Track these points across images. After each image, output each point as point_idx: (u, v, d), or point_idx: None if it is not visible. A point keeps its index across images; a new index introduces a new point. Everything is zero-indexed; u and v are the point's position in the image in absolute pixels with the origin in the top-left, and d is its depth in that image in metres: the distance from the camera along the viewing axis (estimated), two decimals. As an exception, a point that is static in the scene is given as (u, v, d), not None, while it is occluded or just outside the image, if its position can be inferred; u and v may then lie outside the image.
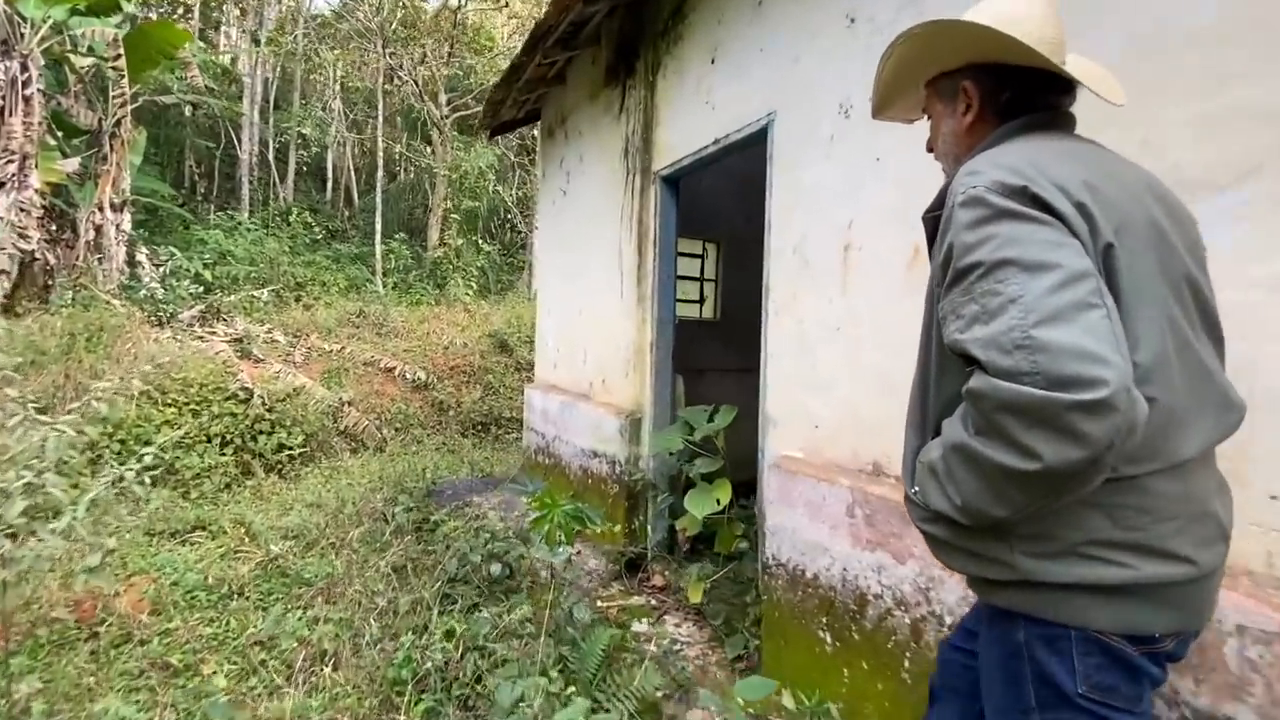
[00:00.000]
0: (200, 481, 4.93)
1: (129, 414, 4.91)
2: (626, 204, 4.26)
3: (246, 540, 3.90)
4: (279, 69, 17.42)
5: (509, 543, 3.57)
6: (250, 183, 14.90)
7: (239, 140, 14.89)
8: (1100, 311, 0.76)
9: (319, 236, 12.70)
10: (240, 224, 10.83)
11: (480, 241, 11.53)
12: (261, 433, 5.77)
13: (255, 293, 9.26)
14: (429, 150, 13.86)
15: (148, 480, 2.76)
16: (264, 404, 5.97)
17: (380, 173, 12.48)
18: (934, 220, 1.00)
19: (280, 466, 5.71)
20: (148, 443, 4.24)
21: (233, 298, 8.89)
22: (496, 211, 13.20)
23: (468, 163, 11.79)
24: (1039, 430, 0.74)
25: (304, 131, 15.40)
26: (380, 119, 12.98)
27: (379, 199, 12.17)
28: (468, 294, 10.64)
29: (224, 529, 4.00)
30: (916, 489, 0.98)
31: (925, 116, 1.21)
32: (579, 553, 4.10)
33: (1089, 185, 0.87)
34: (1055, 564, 0.87)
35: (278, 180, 15.62)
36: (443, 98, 13.38)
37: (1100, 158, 0.96)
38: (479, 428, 7.77)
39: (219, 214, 10.59)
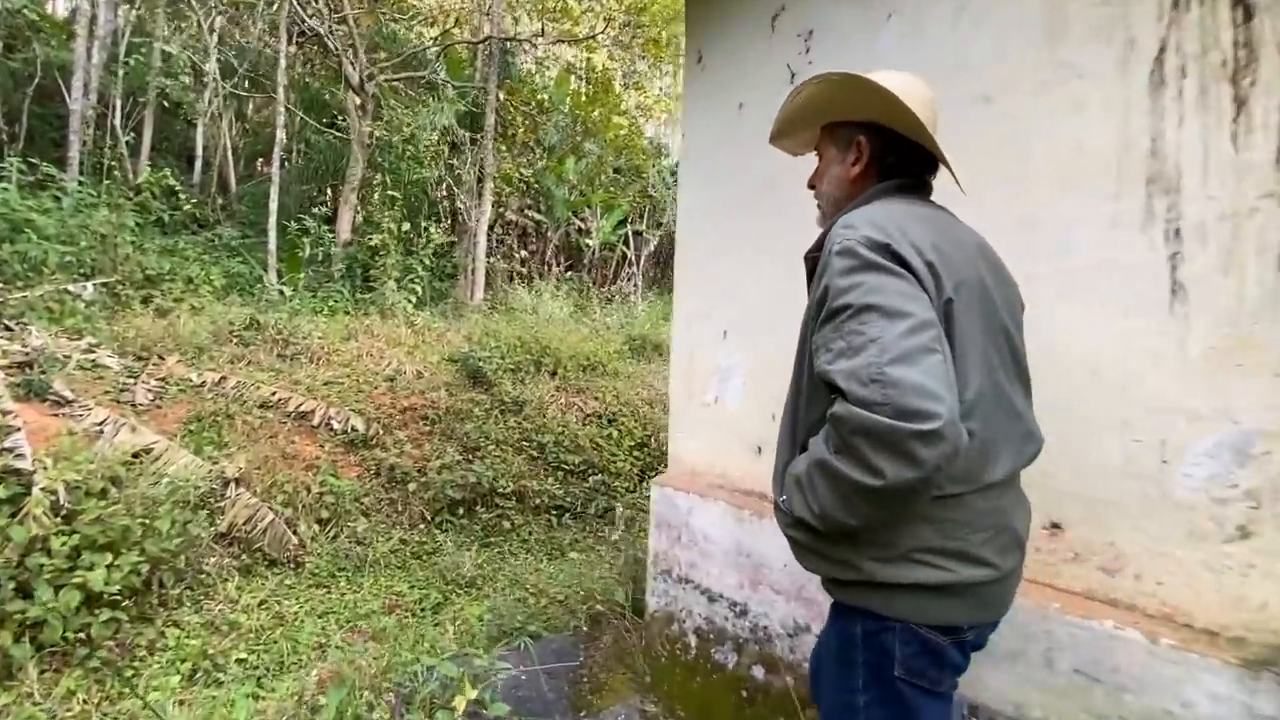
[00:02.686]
0: None
1: None
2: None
3: None
4: (133, 16, 13.35)
5: None
6: (83, 143, 10.81)
7: (68, 90, 10.87)
8: (939, 356, 0.89)
9: (182, 218, 9.12)
10: (58, 185, 7.19)
11: (430, 228, 8.54)
12: (47, 571, 2.72)
13: (71, 287, 5.83)
14: (342, 120, 10.57)
15: None
16: (55, 505, 2.91)
17: (280, 134, 9.15)
18: (813, 261, 1.13)
19: (82, 650, 2.69)
20: None
21: (28, 294, 5.45)
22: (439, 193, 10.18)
23: (422, 118, 8.78)
24: (884, 452, 0.86)
25: (163, 85, 11.63)
26: (282, 64, 9.64)
27: (276, 169, 8.87)
28: (409, 302, 7.67)
29: None
30: (785, 497, 1.08)
31: (815, 155, 1.31)
32: None
33: (936, 247, 1.01)
34: (894, 567, 1.01)
35: (126, 155, 11.64)
36: (363, 56, 10.29)
37: (947, 224, 1.12)
38: (459, 511, 4.91)
39: (23, 169, 6.94)
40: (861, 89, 1.14)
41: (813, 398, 1.08)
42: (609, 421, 6.57)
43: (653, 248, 15.48)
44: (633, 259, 15.27)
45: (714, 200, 2.53)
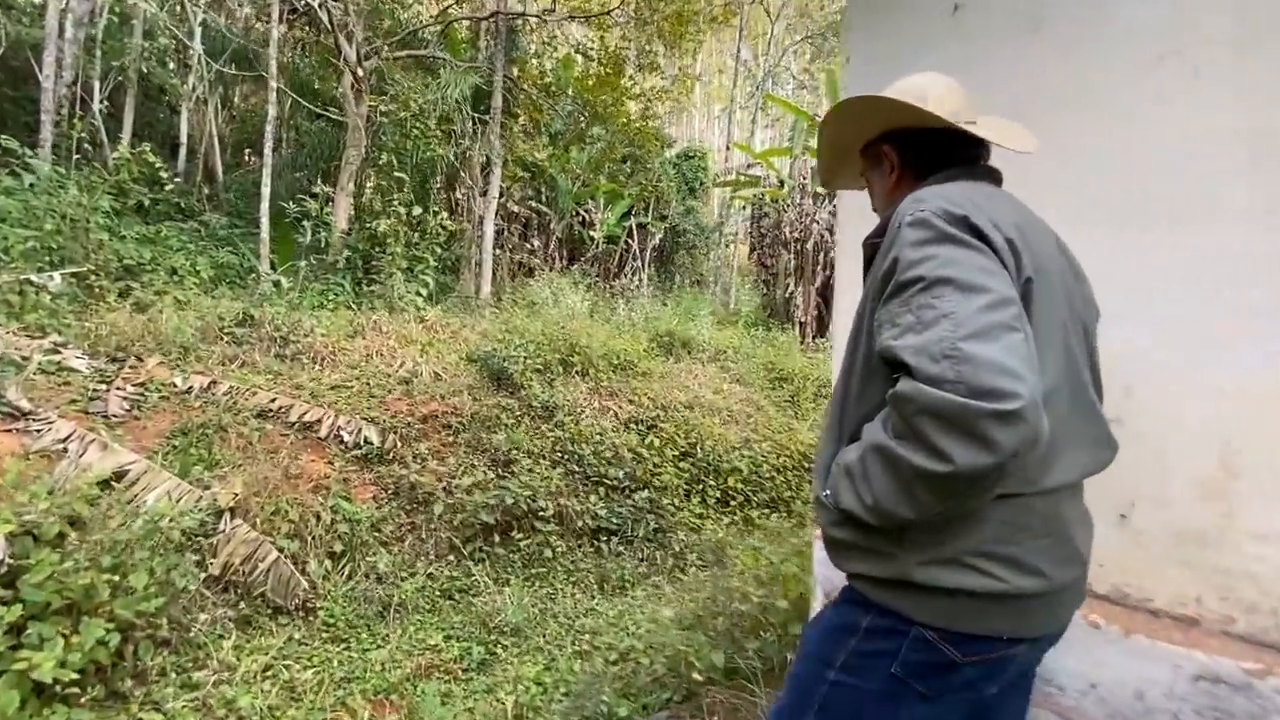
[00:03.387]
0: None
1: None
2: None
3: None
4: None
5: None
6: (56, 124, 9.93)
7: (39, 66, 9.99)
8: (1020, 335, 0.81)
9: (165, 206, 8.32)
10: (21, 161, 6.37)
11: (442, 214, 7.74)
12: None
13: (34, 277, 5.05)
14: (337, 106, 9.73)
15: None
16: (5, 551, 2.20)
17: (271, 110, 8.31)
18: (873, 246, 1.06)
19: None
20: None
21: (-16, 284, 4.67)
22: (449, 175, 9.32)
23: (433, 91, 7.95)
24: (954, 435, 0.77)
25: (145, 68, 10.79)
26: (275, 40, 8.81)
27: (269, 149, 8.06)
28: (419, 295, 6.91)
29: None
30: (828, 491, 0.99)
31: (865, 184, 1.29)
32: None
33: (1018, 226, 0.94)
34: (938, 569, 0.91)
35: (106, 140, 10.77)
36: (359, 32, 9.49)
37: (1021, 209, 1.03)
38: (493, 537, 4.21)
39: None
40: (861, 105, 1.15)
41: (867, 383, 1.00)
42: (648, 428, 5.88)
43: (657, 241, 14.76)
44: (637, 252, 14.55)
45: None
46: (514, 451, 4.82)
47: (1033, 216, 1.03)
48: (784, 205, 12.78)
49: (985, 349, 0.77)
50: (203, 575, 2.96)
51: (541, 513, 4.38)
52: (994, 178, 1.11)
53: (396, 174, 7.24)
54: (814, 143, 14.15)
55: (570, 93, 12.63)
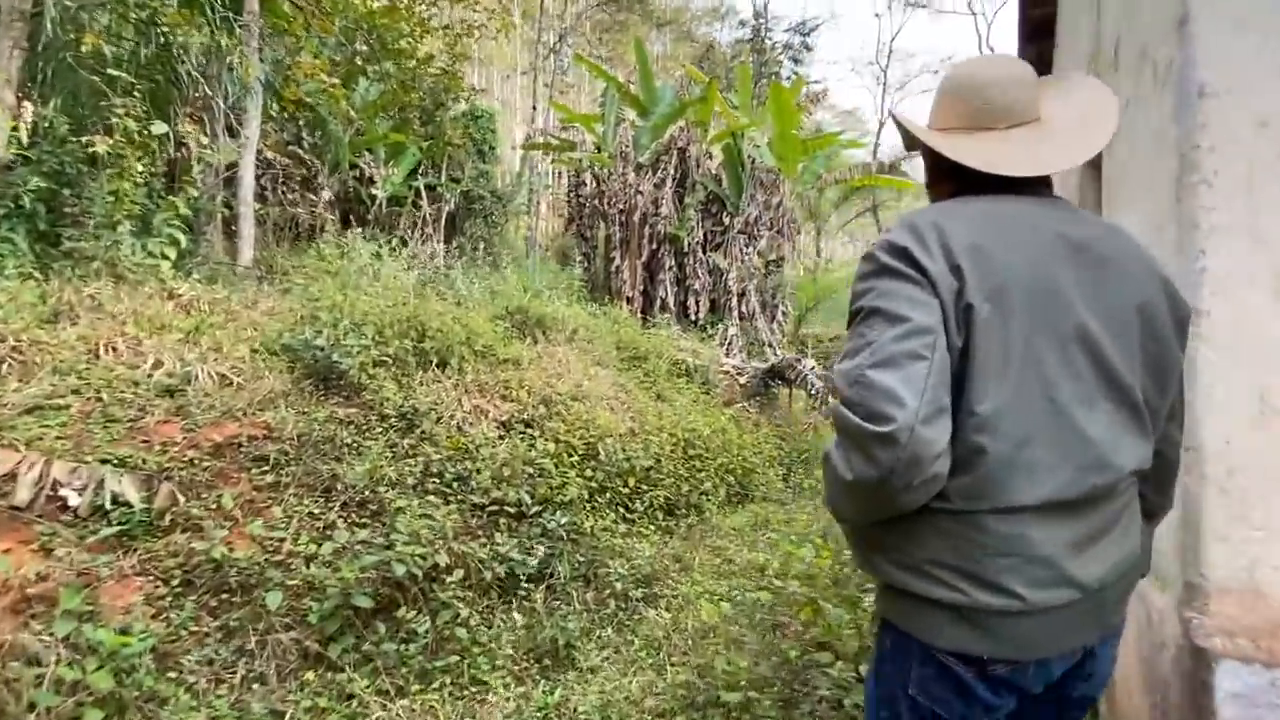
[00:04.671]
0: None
1: None
2: None
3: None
4: None
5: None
6: None
7: None
8: (925, 363, 0.87)
9: None
10: None
11: (199, 137, 5.11)
12: None
13: None
14: None
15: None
16: None
17: None
18: None
19: None
20: None
21: None
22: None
23: None
24: (854, 450, 0.89)
25: None
26: None
27: None
28: (164, 259, 4.55)
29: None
30: None
31: None
32: None
33: (977, 248, 0.95)
34: (909, 575, 0.97)
35: None
36: None
37: (1015, 221, 1.01)
38: (375, 626, 2.73)
39: None
40: (898, 121, 1.20)
41: None
42: (529, 426, 4.68)
43: (453, 206, 12.96)
44: (428, 217, 12.59)
45: None
46: (376, 485, 3.30)
47: (1021, 229, 1.00)
48: (605, 174, 11.97)
49: (883, 376, 0.87)
50: None
51: (437, 573, 3.01)
52: (1021, 186, 1.05)
53: (111, 71, 4.69)
54: (629, 112, 13.46)
55: (351, 16, 10.12)
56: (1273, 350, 1.20)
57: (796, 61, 19.95)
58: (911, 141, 1.21)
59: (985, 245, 0.95)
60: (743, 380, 8.60)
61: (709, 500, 5.32)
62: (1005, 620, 0.93)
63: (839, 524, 1.11)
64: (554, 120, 14.47)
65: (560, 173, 14.23)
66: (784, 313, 11.54)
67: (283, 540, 2.83)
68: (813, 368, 8.18)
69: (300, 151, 10.81)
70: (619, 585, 3.56)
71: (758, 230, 11.10)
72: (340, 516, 3.07)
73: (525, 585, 3.39)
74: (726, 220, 11.28)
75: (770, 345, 10.54)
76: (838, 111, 29.63)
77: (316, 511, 3.07)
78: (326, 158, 11.36)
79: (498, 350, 5.42)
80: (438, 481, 3.64)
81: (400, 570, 2.77)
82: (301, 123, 11.28)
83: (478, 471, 3.85)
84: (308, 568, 2.72)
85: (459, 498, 3.62)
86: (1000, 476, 0.92)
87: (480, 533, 3.50)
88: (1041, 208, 1.04)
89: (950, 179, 1.11)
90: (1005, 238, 0.98)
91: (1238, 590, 1.22)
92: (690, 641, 3.11)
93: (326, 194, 11.10)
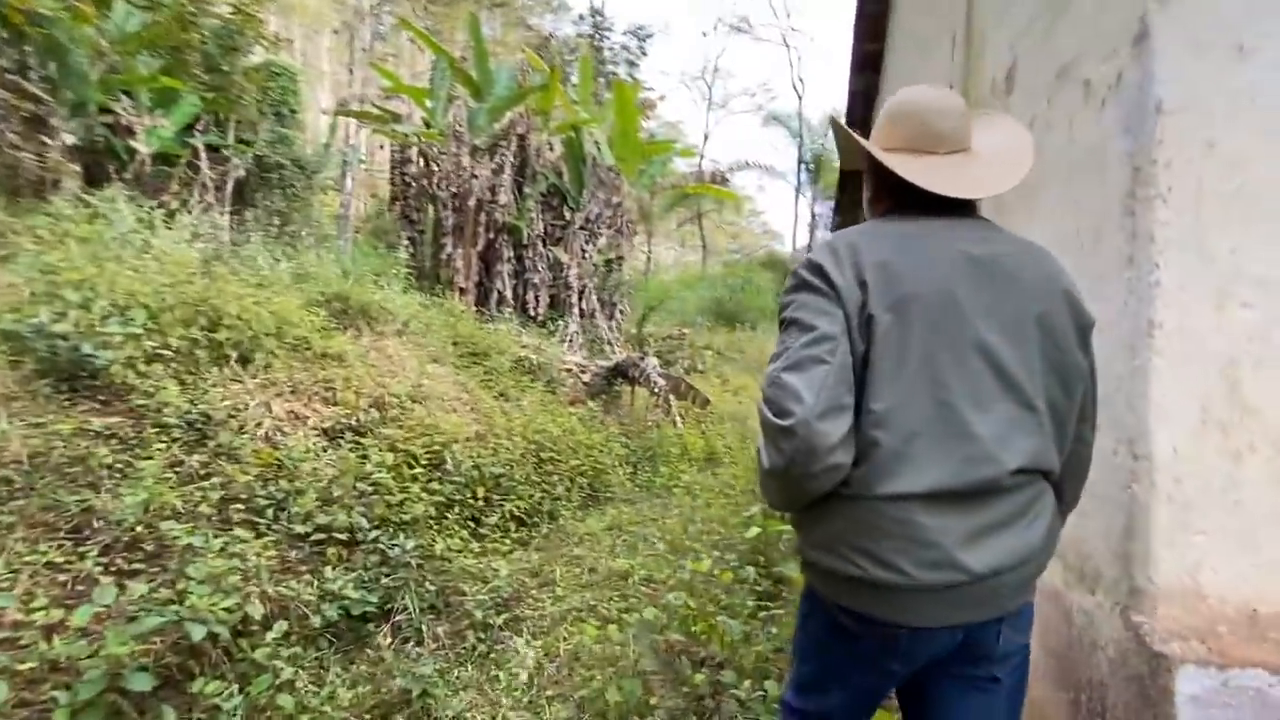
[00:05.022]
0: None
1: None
2: None
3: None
4: None
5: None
6: None
7: None
8: (826, 367, 1.01)
9: None
10: None
11: None
12: None
13: None
14: None
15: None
16: None
17: None
18: None
19: None
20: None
21: None
22: None
23: None
24: (769, 442, 1.03)
25: None
26: None
27: None
28: None
29: None
30: None
31: None
32: None
33: (883, 264, 1.07)
34: (817, 551, 1.13)
35: None
36: None
37: (924, 240, 1.12)
38: (153, 706, 2.03)
39: None
40: (836, 130, 1.34)
41: None
42: (359, 434, 4.01)
43: (242, 173, 11.12)
44: (208, 182, 10.66)
45: None
46: (157, 521, 2.50)
47: (928, 247, 1.10)
48: (435, 154, 10.99)
49: (791, 377, 1.01)
50: None
51: (252, 629, 2.35)
52: (939, 206, 1.15)
53: None
54: (461, 91, 12.56)
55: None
56: (1213, 363, 1.26)
57: (633, 65, 20.27)
58: (849, 159, 1.31)
59: (893, 262, 1.07)
60: (586, 378, 8.40)
61: (563, 506, 5.02)
62: (895, 593, 1.05)
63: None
64: (376, 88, 13.01)
65: (381, 146, 12.81)
66: (622, 311, 11.55)
67: (3, 609, 2.00)
68: (655, 366, 8.24)
69: (25, 84, 8.43)
70: (478, 613, 3.12)
71: (598, 228, 10.96)
72: (100, 565, 2.27)
73: (366, 628, 2.82)
74: (568, 215, 10.98)
75: (610, 344, 10.47)
76: (663, 122, 30.82)
77: (61, 561, 2.23)
78: (65, 96, 9.04)
79: (315, 344, 4.59)
80: (243, 509, 2.89)
81: (199, 633, 2.10)
82: (28, 48, 8.86)
83: (298, 492, 3.15)
84: (49, 644, 1.94)
85: (274, 527, 2.92)
86: (891, 466, 1.03)
87: (304, 568, 2.85)
88: (955, 229, 1.14)
89: (890, 196, 1.21)
90: (913, 256, 1.09)
91: (1181, 592, 1.26)
92: (566, 671, 2.81)
93: (67, 139, 8.78)
